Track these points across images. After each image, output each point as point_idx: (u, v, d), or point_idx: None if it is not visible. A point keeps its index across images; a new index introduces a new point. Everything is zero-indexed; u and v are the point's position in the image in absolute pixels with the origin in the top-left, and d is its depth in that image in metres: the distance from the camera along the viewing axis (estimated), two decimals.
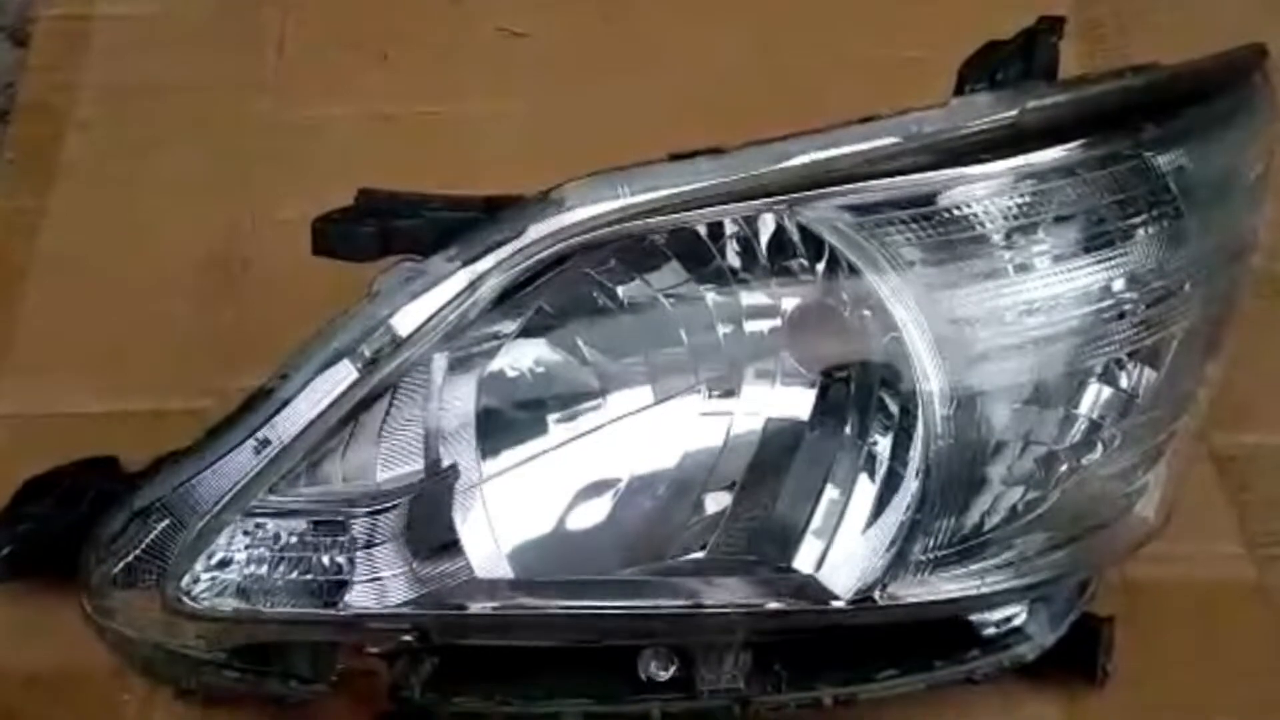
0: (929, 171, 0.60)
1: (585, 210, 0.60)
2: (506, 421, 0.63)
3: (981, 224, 0.60)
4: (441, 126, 0.98)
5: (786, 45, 1.00)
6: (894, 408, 0.61)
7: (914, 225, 0.59)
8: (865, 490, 0.62)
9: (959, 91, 0.67)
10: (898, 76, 0.68)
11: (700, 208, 0.60)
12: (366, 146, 0.97)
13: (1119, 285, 0.61)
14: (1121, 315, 0.62)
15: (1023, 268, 0.60)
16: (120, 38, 1.04)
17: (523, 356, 0.63)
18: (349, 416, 0.62)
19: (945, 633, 0.67)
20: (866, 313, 0.60)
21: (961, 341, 0.60)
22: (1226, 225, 0.65)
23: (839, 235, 0.59)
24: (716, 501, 0.63)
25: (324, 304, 0.65)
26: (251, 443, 0.63)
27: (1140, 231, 0.61)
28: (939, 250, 0.60)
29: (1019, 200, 0.60)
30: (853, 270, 0.60)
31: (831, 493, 0.62)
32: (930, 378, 0.60)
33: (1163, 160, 0.61)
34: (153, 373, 0.88)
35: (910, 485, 0.61)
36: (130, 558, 0.64)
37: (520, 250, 0.61)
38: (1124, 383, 0.63)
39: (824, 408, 0.62)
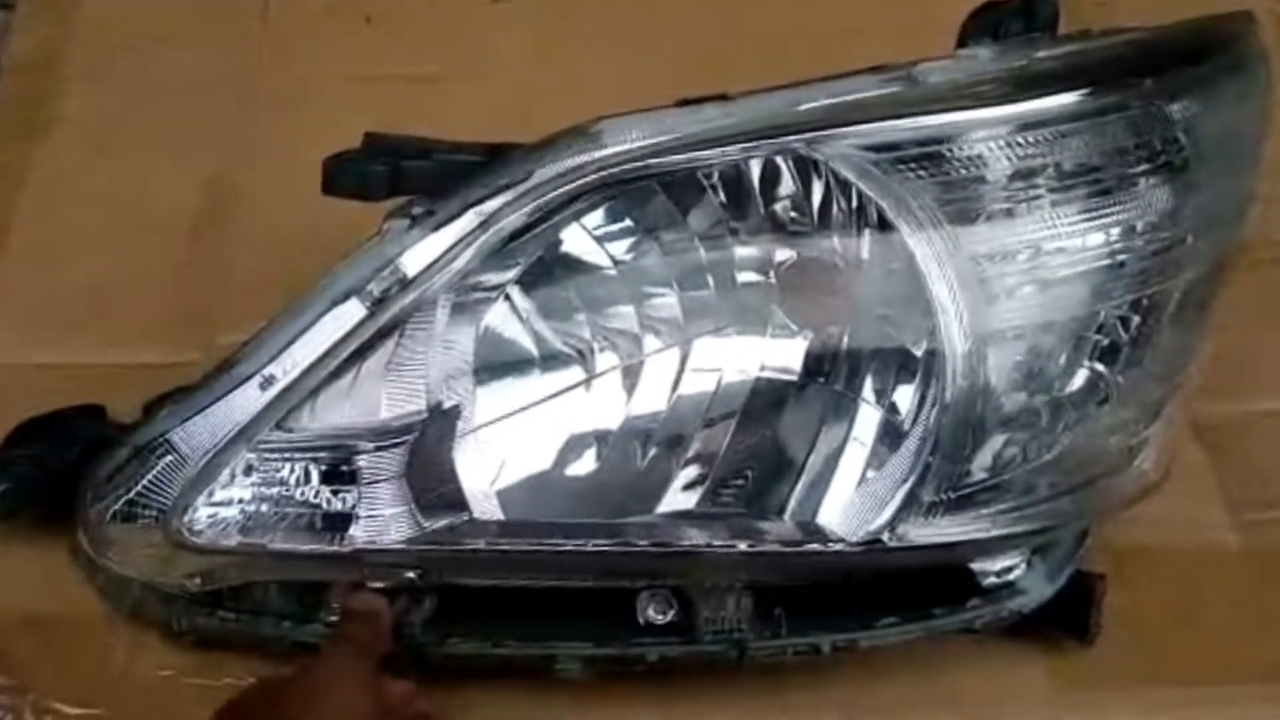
0: (945, 114, 0.60)
1: (595, 152, 0.60)
2: (503, 369, 0.64)
3: (991, 167, 0.60)
4: (424, 89, 0.98)
5: (767, 11, 1.00)
6: (911, 351, 0.62)
7: (928, 165, 0.60)
8: (869, 436, 0.63)
9: (961, 46, 0.68)
10: (884, 42, 0.68)
11: (714, 148, 0.60)
12: (350, 107, 0.96)
13: (1123, 233, 0.62)
14: (1123, 264, 0.62)
15: (1029, 212, 0.61)
16: (109, 4, 1.03)
17: (520, 306, 0.63)
18: (356, 355, 0.62)
19: (946, 582, 0.68)
20: (885, 255, 0.61)
21: (980, 279, 0.60)
22: (1229, 181, 0.66)
23: (860, 173, 0.60)
24: (707, 451, 0.64)
25: (308, 259, 0.65)
26: (258, 379, 0.63)
27: (1145, 180, 0.62)
28: (954, 191, 0.60)
29: (1030, 144, 0.61)
30: (864, 211, 0.60)
31: (825, 441, 0.63)
32: (951, 317, 0.60)
33: (1175, 108, 0.62)
34: (138, 326, 0.87)
35: (924, 427, 0.62)
36: (130, 493, 0.64)
37: (528, 192, 0.61)
38: (1126, 334, 0.64)
39: (824, 355, 0.62)
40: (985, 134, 0.60)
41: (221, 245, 0.91)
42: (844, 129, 0.60)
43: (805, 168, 0.60)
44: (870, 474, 0.63)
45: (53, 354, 0.86)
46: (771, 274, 0.62)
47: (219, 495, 0.64)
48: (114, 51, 1.01)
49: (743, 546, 0.64)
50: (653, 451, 0.64)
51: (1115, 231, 0.62)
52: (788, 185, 0.61)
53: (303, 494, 0.63)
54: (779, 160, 0.60)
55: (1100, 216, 0.62)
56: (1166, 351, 0.66)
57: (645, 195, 0.62)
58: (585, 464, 0.64)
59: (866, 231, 0.61)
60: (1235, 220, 0.68)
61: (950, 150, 0.60)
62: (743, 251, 0.62)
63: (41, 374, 0.84)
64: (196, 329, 0.86)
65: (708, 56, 0.97)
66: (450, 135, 0.67)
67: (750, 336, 0.63)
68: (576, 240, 0.63)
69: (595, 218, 0.62)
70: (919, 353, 0.61)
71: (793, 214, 0.61)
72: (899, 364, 0.62)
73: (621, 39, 1.00)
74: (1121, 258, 0.62)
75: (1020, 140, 0.60)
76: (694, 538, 0.64)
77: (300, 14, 1.03)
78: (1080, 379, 0.64)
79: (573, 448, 0.64)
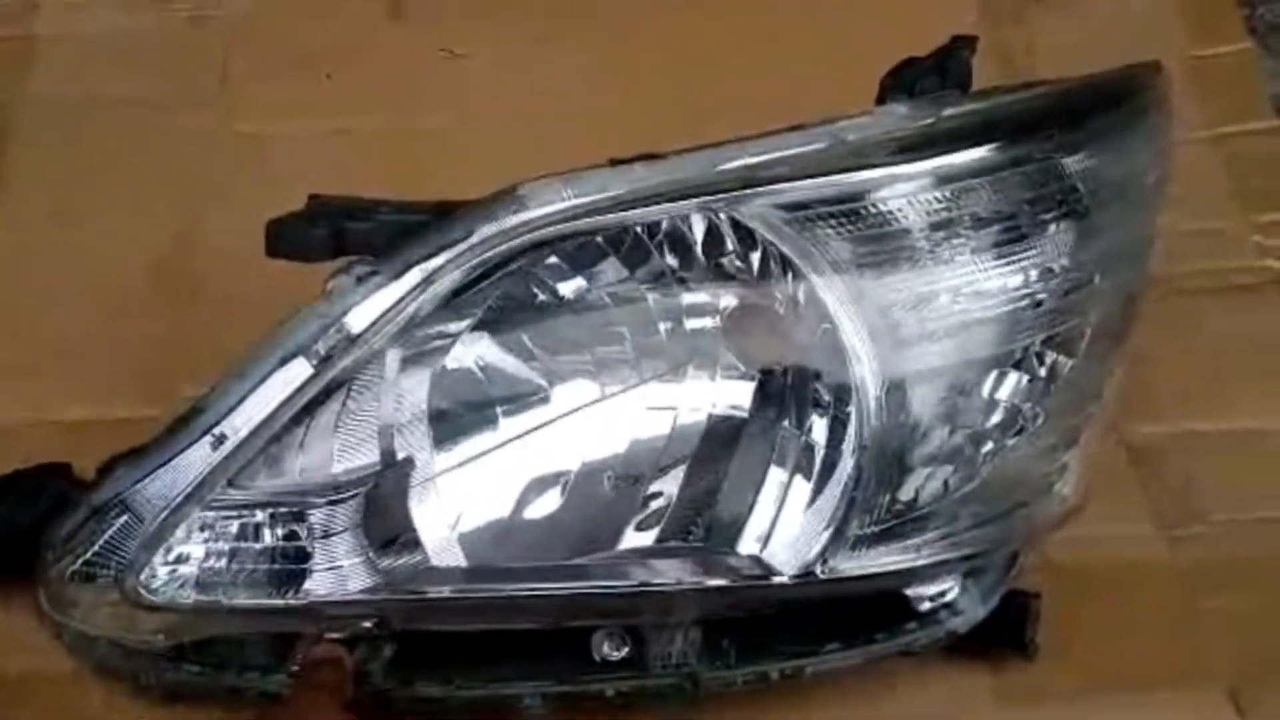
0: (855, 172, 0.63)
1: (532, 211, 0.63)
2: (458, 416, 0.66)
3: (905, 220, 0.64)
4: (384, 142, 1.00)
5: (711, 66, 1.03)
6: (829, 394, 0.65)
7: (843, 221, 0.63)
8: (804, 472, 0.66)
9: (880, 102, 0.72)
10: (821, 94, 0.72)
11: (642, 207, 0.63)
12: (311, 161, 0.98)
13: (1034, 276, 0.66)
14: (1038, 304, 0.66)
15: (944, 260, 0.64)
16: (64, 57, 1.04)
17: (473, 353, 0.66)
18: (305, 411, 0.65)
19: (884, 608, 0.71)
20: (801, 304, 0.64)
21: (890, 328, 0.64)
22: (1130, 223, 0.70)
23: (774, 231, 0.63)
24: (663, 490, 0.66)
25: (269, 312, 0.67)
26: (208, 438, 0.65)
27: (1052, 227, 0.66)
28: (867, 244, 0.63)
29: (939, 199, 0.64)
30: (787, 264, 0.63)
31: (773, 477, 0.66)
32: (863, 362, 0.64)
33: (1071, 162, 0.66)
34: (98, 381, 0.89)
35: (847, 465, 0.65)
36: (88, 554, 0.66)
37: (470, 249, 0.64)
38: (1042, 369, 0.67)
39: (763, 397, 0.66)
40: (898, 189, 0.64)
41: (184, 298, 0.93)
42: (759, 189, 0.63)
43: (723, 226, 0.63)
44: (805, 509, 0.66)
45: (15, 411, 0.88)
46: (718, 319, 0.66)
47: (175, 553, 0.66)
48: (70, 113, 1.02)
49: (696, 582, 0.67)
50: (611, 491, 0.66)
51: (1027, 275, 0.66)
52: (723, 240, 0.64)
53: (258, 549, 0.65)
54: (697, 218, 0.64)
55: (1012, 261, 0.66)
56: (1081, 383, 0.69)
57: (593, 248, 0.65)
58: (545, 507, 0.66)
59: (787, 282, 0.64)
60: (1140, 259, 0.72)
61: (865, 206, 0.64)
62: (689, 299, 0.65)
63: (2, 432, 0.86)
64: (160, 384, 0.87)
65: (657, 107, 1.00)
66: (412, 186, 0.70)
67: (700, 378, 0.66)
68: (529, 290, 0.65)
69: (547, 268, 0.65)
70: (838, 395, 0.65)
71: (735, 264, 0.64)
72: (827, 405, 0.65)
73: (575, 90, 1.03)
74: (1034, 298, 0.66)
75: (932, 194, 0.64)
76: (652, 575, 0.67)
77: (259, 71, 1.05)
78: (999, 413, 0.67)
79: (532, 491, 0.67)
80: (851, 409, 0.64)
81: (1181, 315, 0.90)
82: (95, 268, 0.94)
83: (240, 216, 0.93)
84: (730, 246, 0.64)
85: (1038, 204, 0.65)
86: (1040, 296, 0.66)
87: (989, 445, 0.67)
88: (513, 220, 0.63)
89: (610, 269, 0.65)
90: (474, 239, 0.64)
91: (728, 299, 0.65)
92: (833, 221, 0.63)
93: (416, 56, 1.05)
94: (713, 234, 0.64)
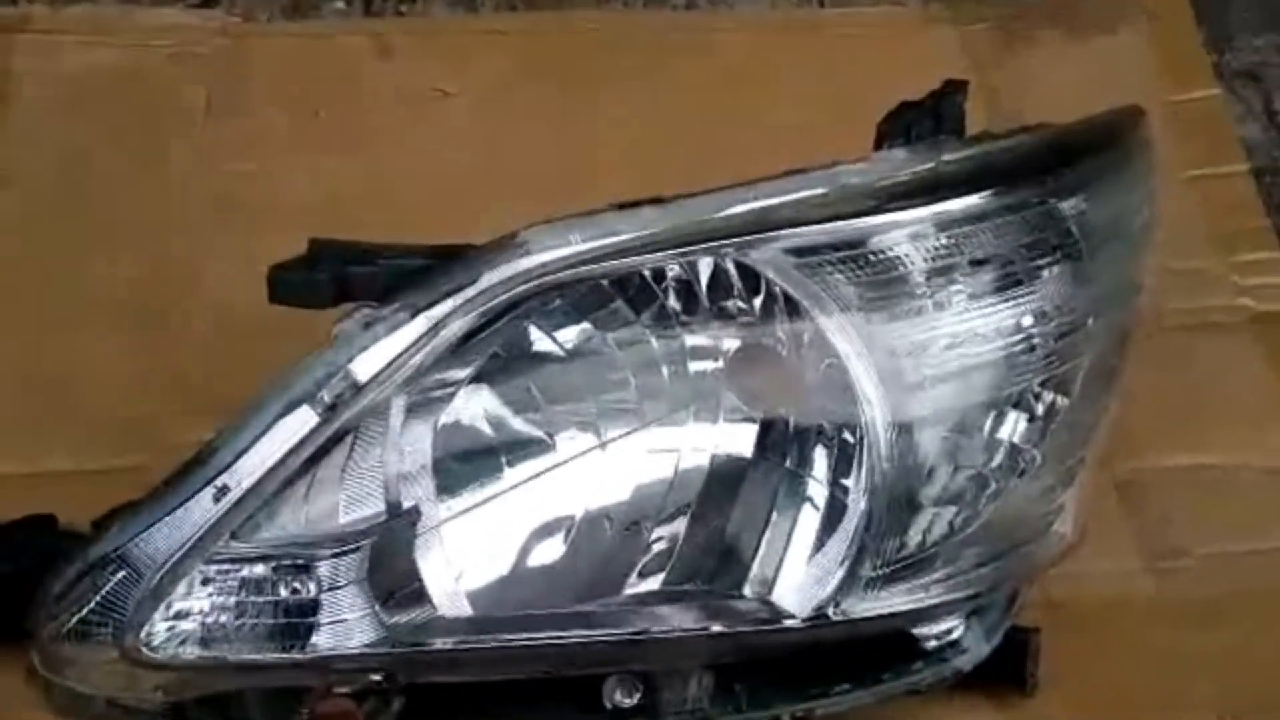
0: (859, 218, 0.64)
1: (539, 256, 0.63)
2: (462, 465, 0.65)
3: (906, 265, 0.65)
4: (374, 179, 1.00)
5: (698, 107, 1.05)
6: (839, 437, 0.65)
7: (848, 266, 0.64)
8: (814, 515, 0.66)
9: (877, 147, 0.73)
10: (815, 141, 0.73)
11: (651, 252, 0.63)
12: (298, 199, 0.98)
13: (1030, 320, 0.67)
14: (1034, 347, 0.67)
15: (943, 305, 0.65)
16: (41, 95, 1.03)
17: (477, 401, 0.65)
18: (310, 461, 0.64)
19: (892, 648, 0.72)
20: (811, 348, 0.64)
21: (898, 371, 0.64)
22: (1122, 265, 0.71)
23: (784, 275, 0.63)
24: (667, 534, 0.66)
25: (255, 354, 0.67)
26: (210, 490, 0.64)
27: (1047, 271, 0.67)
28: (871, 288, 0.64)
29: (939, 244, 0.65)
30: (797, 308, 0.64)
31: (780, 520, 0.66)
32: (873, 405, 0.64)
33: (1066, 206, 0.67)
34: (85, 430, 0.88)
35: (858, 508, 0.65)
36: (84, 611, 0.65)
37: (477, 295, 0.63)
38: (1040, 410, 0.68)
39: (770, 440, 0.66)
40: (901, 234, 0.65)
41: (166, 346, 0.93)
42: (768, 234, 0.63)
43: (733, 271, 0.64)
44: (815, 552, 0.66)
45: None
46: (721, 361, 0.66)
47: (176, 609, 0.64)
48: (50, 152, 1.01)
49: (703, 627, 0.66)
50: (615, 537, 0.66)
51: (1025, 319, 0.67)
52: (728, 283, 0.64)
53: (262, 603, 0.64)
54: (704, 263, 0.64)
55: (1010, 305, 0.67)
56: (1077, 423, 0.70)
57: (598, 293, 0.65)
58: (551, 553, 0.66)
59: (796, 327, 0.64)
60: (1131, 299, 0.73)
61: (869, 251, 0.64)
62: (693, 341, 0.66)
63: None
64: (144, 431, 0.87)
65: (644, 146, 1.01)
66: (401, 223, 0.69)
67: (703, 421, 0.66)
68: (533, 336, 0.65)
69: (551, 314, 0.65)
70: (849, 439, 0.65)
71: (739, 307, 0.65)
72: (835, 448, 0.65)
73: (570, 131, 1.04)
74: (1032, 342, 0.67)
75: (933, 239, 0.65)
76: (659, 620, 0.66)
77: (246, 110, 1.04)
78: (1001, 454, 0.68)
79: (537, 538, 0.66)
80: (862, 452, 0.65)
81: (1161, 353, 0.90)
82: (74, 310, 0.93)
83: (226, 258, 0.95)
84: (737, 291, 0.64)
85: (1035, 248, 0.66)
86: (1037, 339, 0.67)
87: (991, 486, 0.68)
88: (518, 266, 0.63)
89: (615, 314, 0.65)
90: (480, 285, 0.63)
91: (733, 342, 0.65)
92: (839, 266, 0.64)
93: (406, 95, 1.05)
94: (719, 278, 0.64)
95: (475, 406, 0.65)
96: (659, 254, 0.63)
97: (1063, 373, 0.68)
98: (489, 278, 0.64)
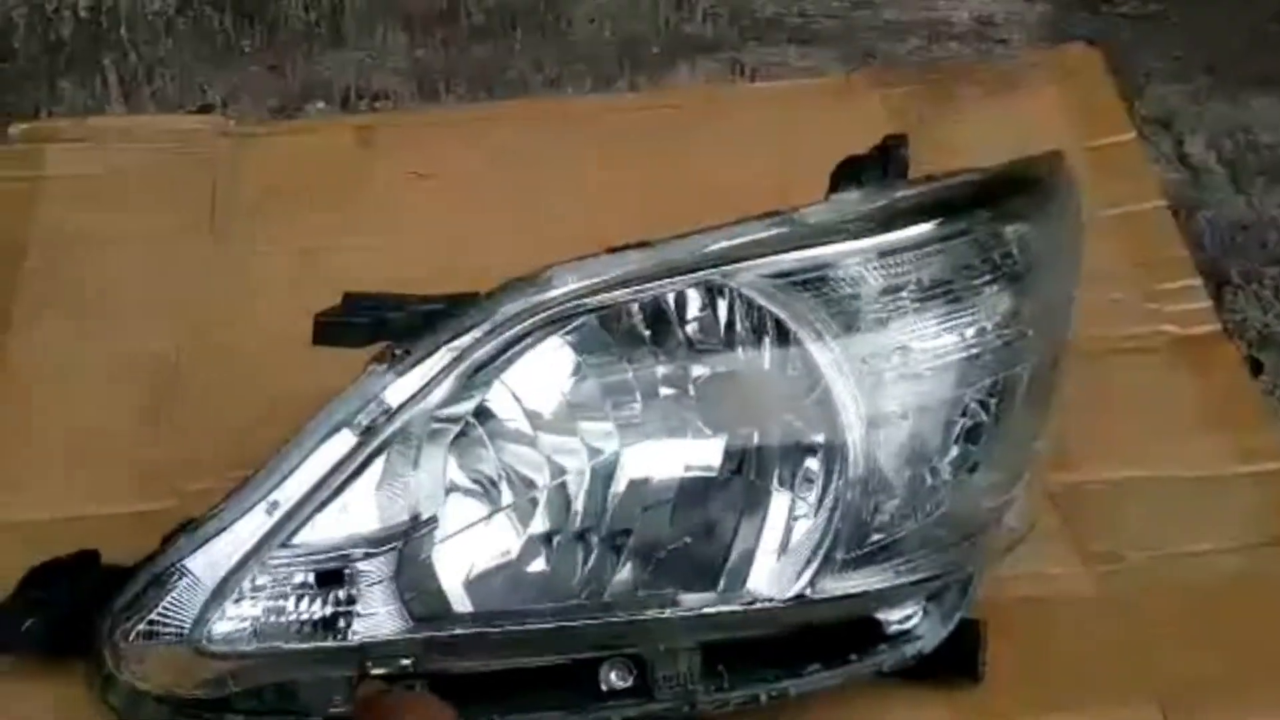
0: (824, 246, 0.74)
1: (559, 289, 0.72)
2: (469, 484, 0.74)
3: (867, 285, 0.74)
4: (360, 258, 1.08)
5: (659, 180, 1.14)
6: (822, 437, 0.74)
7: (818, 286, 0.73)
8: (798, 507, 0.75)
9: (832, 192, 0.83)
10: (758, 203, 0.80)
11: (647, 282, 0.73)
12: (295, 278, 1.07)
13: (977, 332, 0.76)
14: (981, 357, 0.76)
15: (902, 317, 0.75)
16: (66, 194, 1.12)
17: (482, 431, 0.74)
18: (349, 479, 0.73)
19: (858, 633, 0.80)
20: (797, 361, 0.74)
21: (867, 376, 0.74)
22: (1057, 284, 0.81)
23: (769, 297, 0.73)
24: (657, 537, 0.75)
25: (260, 416, 0.76)
26: (263, 505, 0.73)
27: (993, 287, 0.77)
28: (839, 305, 0.74)
29: (895, 265, 0.75)
30: (780, 326, 0.73)
31: (765, 514, 0.75)
32: (850, 408, 0.74)
33: (1009, 230, 0.77)
34: (113, 479, 0.95)
35: (835, 499, 0.74)
36: (152, 614, 0.73)
37: (493, 329, 0.73)
38: (988, 413, 0.78)
39: (761, 445, 0.75)
40: (859, 259, 0.74)
41: (181, 409, 1.01)
42: (748, 263, 0.73)
43: (719, 296, 0.73)
44: (791, 542, 0.75)
45: (36, 510, 0.94)
46: (690, 387, 0.75)
47: (232, 611, 0.73)
48: (75, 245, 1.09)
49: (684, 612, 0.75)
50: (601, 544, 0.75)
51: (970, 331, 0.76)
52: (700, 311, 0.74)
53: (309, 599, 0.73)
54: (692, 292, 0.73)
55: (957, 319, 0.76)
56: (1021, 427, 0.80)
57: (583, 328, 0.74)
58: (543, 559, 0.75)
59: (781, 342, 0.74)
60: (1065, 317, 0.83)
61: (833, 274, 0.74)
62: (664, 370, 0.75)
63: (25, 528, 0.92)
64: (167, 479, 0.95)
65: (624, 218, 1.08)
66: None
67: (675, 441, 0.75)
68: (543, 362, 0.74)
69: (562, 342, 0.74)
70: (827, 439, 0.74)
71: (734, 329, 0.74)
72: (811, 450, 0.75)
73: (547, 206, 1.13)
74: (976, 351, 0.76)
75: (887, 263, 0.75)
76: (641, 610, 0.75)
77: (245, 200, 1.14)
78: (953, 453, 0.77)
79: (531, 546, 0.75)
80: (841, 450, 0.74)
81: (1091, 375, 0.97)
82: (99, 375, 1.02)
83: (231, 326, 1.03)
84: (727, 313, 0.73)
85: (981, 267, 0.76)
86: (984, 349, 0.76)
87: (947, 480, 0.77)
88: (538, 298, 0.72)
89: (613, 341, 0.74)
90: (498, 317, 0.73)
91: (724, 360, 0.74)
92: (810, 288, 0.73)
93: (385, 178, 1.15)
94: (711, 303, 0.73)
95: (479, 437, 0.74)
96: (654, 283, 0.73)
97: (1006, 380, 0.78)
98: (507, 309, 0.73)
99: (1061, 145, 0.85)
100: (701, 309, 0.74)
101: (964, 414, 0.77)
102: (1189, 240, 1.14)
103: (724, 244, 0.75)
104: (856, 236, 0.75)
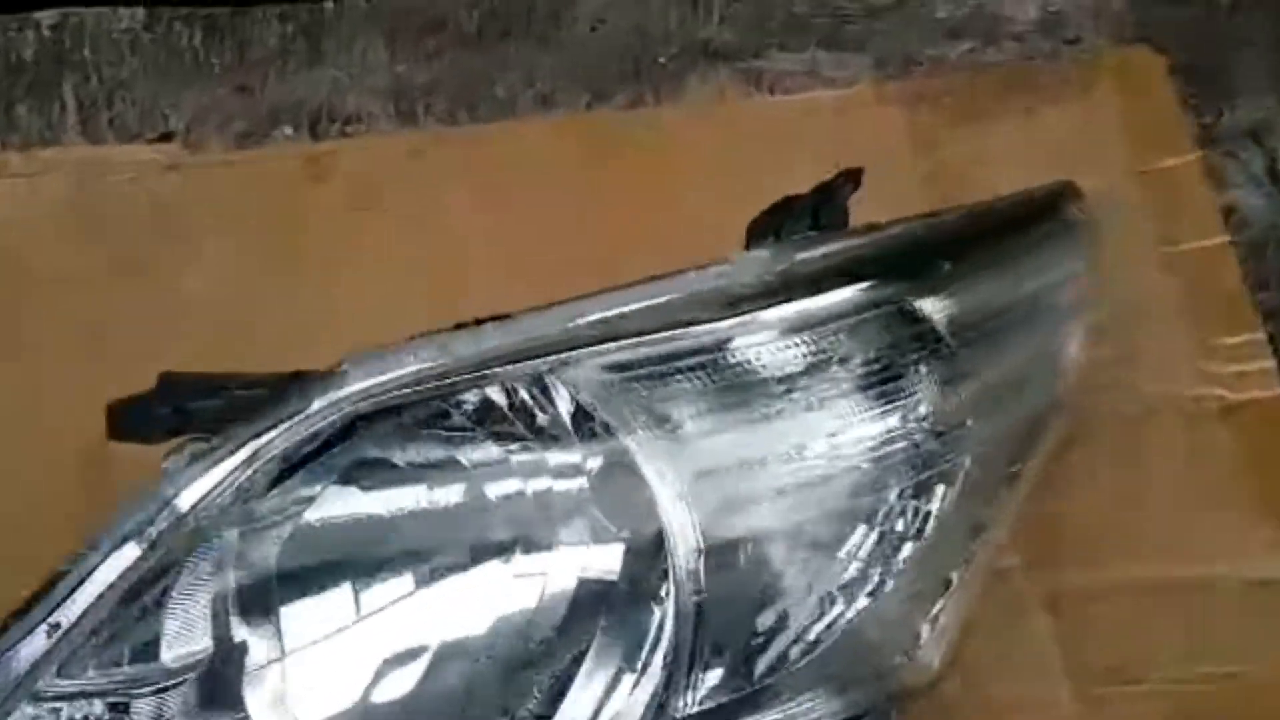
0: (701, 325, 0.61)
1: (359, 384, 0.61)
2: (305, 594, 0.63)
3: (753, 371, 0.61)
4: (294, 294, 1.00)
5: (588, 219, 1.02)
6: (647, 562, 0.61)
7: (684, 376, 0.60)
8: (628, 649, 0.61)
9: (747, 246, 0.69)
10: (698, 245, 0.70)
11: (467, 374, 0.61)
12: (224, 317, 0.99)
13: (896, 423, 0.62)
14: (900, 452, 0.62)
15: (793, 411, 0.61)
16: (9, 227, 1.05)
17: (320, 526, 0.64)
18: (133, 595, 0.62)
19: None
20: (618, 470, 0.61)
21: (718, 490, 0.60)
22: (1006, 359, 0.66)
23: (597, 393, 0.60)
24: (522, 665, 0.63)
25: None
26: (44, 628, 0.63)
27: (914, 371, 0.62)
28: (706, 399, 0.60)
29: (794, 346, 0.61)
30: (608, 429, 0.60)
31: (595, 655, 0.62)
32: (678, 532, 0.60)
33: (927, 305, 0.63)
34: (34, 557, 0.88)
35: (665, 638, 0.61)
36: None
37: (301, 421, 0.62)
38: (901, 522, 0.63)
39: (583, 567, 0.62)
40: (751, 339, 0.61)
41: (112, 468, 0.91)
42: (594, 349, 0.60)
43: (541, 392, 0.61)
44: (631, 688, 0.61)
45: None
46: (540, 484, 0.62)
47: None
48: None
49: None
50: (468, 669, 0.63)
51: (888, 422, 0.62)
52: (545, 404, 0.62)
53: None
54: (532, 381, 0.61)
55: (872, 409, 0.62)
56: (949, 537, 0.65)
57: (434, 412, 0.63)
58: (401, 687, 0.63)
59: (607, 448, 0.61)
60: (1028, 396, 0.68)
61: (706, 360, 0.61)
62: (514, 463, 0.63)
63: None
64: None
65: (572, 251, 0.99)
66: (337, 338, 0.68)
67: (481, 571, 0.63)
68: (369, 458, 0.64)
69: (389, 435, 0.63)
70: (655, 565, 0.61)
71: (556, 429, 0.62)
72: (643, 575, 0.61)
73: (494, 241, 1.02)
74: (896, 446, 0.62)
75: (786, 342, 0.61)
76: None
77: (188, 235, 1.04)
78: (851, 571, 0.63)
79: (388, 672, 0.63)
80: (668, 580, 0.60)
81: (1118, 445, 0.84)
82: (21, 440, 0.94)
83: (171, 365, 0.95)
84: (551, 411, 0.62)
85: (897, 348, 0.62)
86: (902, 444, 0.62)
87: (839, 607, 0.63)
88: (340, 393, 0.62)
89: (454, 433, 0.63)
90: (307, 411, 0.62)
91: (548, 464, 0.62)
92: (675, 377, 0.60)
93: (335, 215, 1.05)
94: (535, 398, 0.62)
95: (316, 532, 0.64)
96: (475, 375, 0.61)
97: (934, 478, 0.63)
98: (315, 404, 0.62)
99: (1107, 170, 0.76)
100: (517, 408, 0.62)
101: (869, 522, 0.62)
102: (1262, 280, 0.95)
103: (593, 317, 0.62)
104: (753, 308, 0.61)
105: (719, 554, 0.60)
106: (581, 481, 0.62)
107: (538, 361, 0.60)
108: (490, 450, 0.63)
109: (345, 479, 0.63)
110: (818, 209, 0.70)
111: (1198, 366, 0.90)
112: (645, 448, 0.60)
